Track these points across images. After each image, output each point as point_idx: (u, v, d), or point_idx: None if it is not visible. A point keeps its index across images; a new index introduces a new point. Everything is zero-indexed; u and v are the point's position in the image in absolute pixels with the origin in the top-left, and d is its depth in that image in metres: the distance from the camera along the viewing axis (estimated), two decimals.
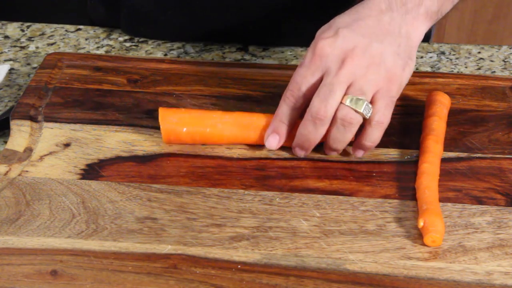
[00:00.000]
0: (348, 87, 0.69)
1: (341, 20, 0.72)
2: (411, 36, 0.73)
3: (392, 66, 0.70)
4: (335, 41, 0.70)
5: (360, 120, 0.70)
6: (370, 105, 0.70)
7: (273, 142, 0.73)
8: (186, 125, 0.74)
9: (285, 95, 0.72)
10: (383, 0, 0.72)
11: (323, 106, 0.69)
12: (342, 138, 0.71)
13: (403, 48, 0.72)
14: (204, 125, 0.74)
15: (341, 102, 0.69)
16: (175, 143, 0.75)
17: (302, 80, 0.71)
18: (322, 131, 0.71)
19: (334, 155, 0.75)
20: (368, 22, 0.71)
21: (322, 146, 0.75)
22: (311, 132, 0.71)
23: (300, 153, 0.74)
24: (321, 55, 0.70)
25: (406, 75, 0.72)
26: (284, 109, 0.72)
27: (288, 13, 0.95)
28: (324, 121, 0.70)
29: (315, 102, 0.69)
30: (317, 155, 0.75)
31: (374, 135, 0.72)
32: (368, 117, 0.70)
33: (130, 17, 0.97)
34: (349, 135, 0.71)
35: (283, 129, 0.73)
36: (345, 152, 0.75)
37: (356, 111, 0.69)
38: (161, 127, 0.74)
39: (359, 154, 0.74)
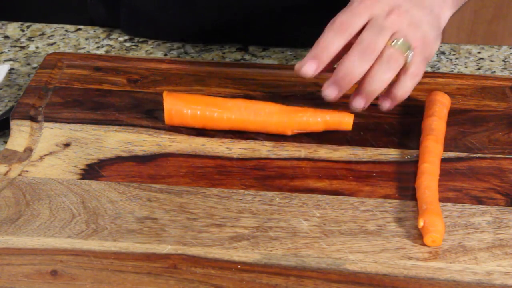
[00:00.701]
0: (393, 34, 0.71)
1: None
2: (440, 18, 0.76)
3: (427, 32, 0.73)
4: None
5: (402, 63, 0.71)
6: (412, 51, 0.71)
7: (311, 68, 0.71)
8: (189, 106, 0.76)
9: (333, 23, 0.72)
10: None
11: (374, 40, 0.70)
12: (382, 77, 0.71)
13: (436, 23, 0.75)
14: (206, 107, 0.75)
15: (386, 45, 0.71)
16: (177, 125, 0.77)
17: (349, 19, 0.71)
18: (366, 67, 0.70)
19: (335, 156, 0.75)
20: None
21: (322, 143, 0.75)
22: (355, 66, 0.70)
23: (333, 93, 0.73)
24: (371, 1, 0.72)
25: (435, 47, 0.75)
26: (330, 37, 0.71)
27: (289, 13, 0.95)
28: (372, 55, 0.70)
29: (366, 35, 0.70)
30: (317, 155, 0.75)
31: (407, 85, 0.73)
32: (409, 63, 0.71)
33: (130, 17, 0.97)
34: (390, 76, 0.71)
35: (325, 57, 0.71)
36: (345, 152, 0.75)
37: (401, 52, 0.71)
38: (164, 107, 0.76)
39: (386, 105, 0.75)
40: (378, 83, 0.71)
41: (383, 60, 0.70)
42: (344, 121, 0.76)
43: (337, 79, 0.71)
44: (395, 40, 0.71)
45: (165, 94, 0.76)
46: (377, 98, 0.74)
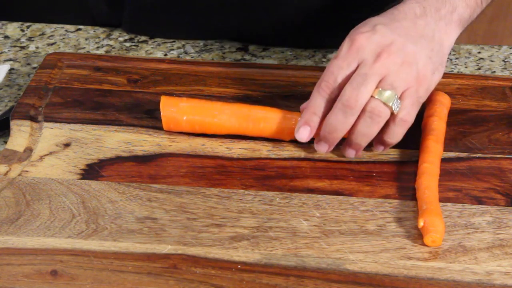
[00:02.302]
0: (380, 81, 0.70)
1: (377, 19, 0.73)
2: (444, 43, 0.73)
3: (423, 68, 0.71)
4: (372, 35, 0.70)
5: (388, 115, 0.70)
6: (399, 101, 0.70)
7: (304, 134, 0.73)
8: (186, 113, 0.75)
9: (319, 86, 0.72)
10: (418, 5, 0.73)
11: (355, 95, 0.69)
12: (368, 131, 0.71)
13: (435, 53, 0.72)
14: (203, 115, 0.75)
15: (371, 96, 0.69)
16: (175, 130, 0.76)
17: (338, 71, 0.71)
18: (350, 121, 0.70)
19: (335, 156, 0.75)
20: (404, 24, 0.72)
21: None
22: (340, 122, 0.70)
23: (323, 148, 0.74)
24: (358, 47, 0.70)
25: (435, 80, 0.73)
26: (318, 101, 0.72)
27: (291, 13, 0.95)
28: (354, 110, 0.70)
29: (347, 91, 0.69)
30: (317, 155, 0.75)
31: (397, 132, 0.72)
32: (396, 112, 0.70)
33: (134, 15, 0.96)
34: (375, 129, 0.71)
35: (315, 121, 0.72)
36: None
37: (385, 104, 0.69)
38: (161, 114, 0.75)
39: (380, 149, 0.75)
40: (364, 137, 0.72)
41: (366, 115, 0.70)
42: None
43: (325, 134, 0.73)
44: (380, 91, 0.69)
45: (162, 102, 0.75)
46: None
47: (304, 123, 0.73)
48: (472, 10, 0.76)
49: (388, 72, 0.69)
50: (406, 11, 0.73)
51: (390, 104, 0.69)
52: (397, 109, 0.70)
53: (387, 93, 0.69)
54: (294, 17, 0.95)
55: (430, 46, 0.72)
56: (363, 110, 0.70)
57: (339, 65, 0.71)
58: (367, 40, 0.70)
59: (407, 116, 0.71)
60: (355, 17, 0.87)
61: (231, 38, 0.97)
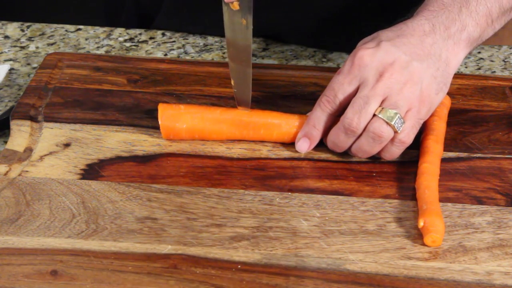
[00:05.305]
0: (383, 101, 0.70)
1: (384, 34, 0.72)
2: (450, 63, 0.73)
3: (427, 88, 0.71)
4: (376, 52, 0.70)
5: (390, 135, 0.70)
6: (402, 119, 0.70)
7: (304, 146, 0.74)
8: (186, 122, 0.74)
9: (320, 100, 0.73)
10: (427, 22, 0.72)
11: (356, 118, 0.69)
12: (369, 149, 0.72)
13: (440, 73, 0.72)
14: (203, 122, 0.74)
15: (374, 114, 0.70)
16: (175, 139, 0.76)
17: (339, 88, 0.71)
18: (352, 140, 0.72)
19: (335, 156, 0.75)
20: (411, 40, 0.71)
21: (322, 143, 0.75)
22: (342, 142, 0.72)
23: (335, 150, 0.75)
24: (360, 64, 0.70)
25: (437, 100, 0.73)
26: (318, 114, 0.73)
27: (292, 12, 0.95)
28: (356, 133, 0.71)
29: (349, 114, 0.70)
30: (317, 155, 0.75)
31: (394, 152, 0.72)
32: (399, 131, 0.70)
33: (170, 11, 0.96)
34: (377, 149, 0.72)
35: (315, 134, 0.73)
36: (345, 153, 0.75)
37: (388, 123, 0.69)
38: (160, 123, 0.74)
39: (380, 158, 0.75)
40: (364, 153, 0.73)
41: (369, 135, 0.70)
42: None
43: (330, 147, 0.74)
44: (383, 110, 0.69)
45: (160, 111, 0.74)
46: None
47: (304, 136, 0.74)
48: (482, 30, 0.75)
49: (390, 92, 0.69)
50: (414, 27, 0.72)
51: (393, 123, 0.69)
52: (400, 127, 0.70)
53: (390, 112, 0.69)
54: (297, 16, 0.94)
55: (436, 65, 0.71)
56: (365, 129, 0.70)
57: (341, 81, 0.71)
58: (370, 58, 0.70)
59: (406, 138, 0.71)
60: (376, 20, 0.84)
61: (257, 35, 0.96)
